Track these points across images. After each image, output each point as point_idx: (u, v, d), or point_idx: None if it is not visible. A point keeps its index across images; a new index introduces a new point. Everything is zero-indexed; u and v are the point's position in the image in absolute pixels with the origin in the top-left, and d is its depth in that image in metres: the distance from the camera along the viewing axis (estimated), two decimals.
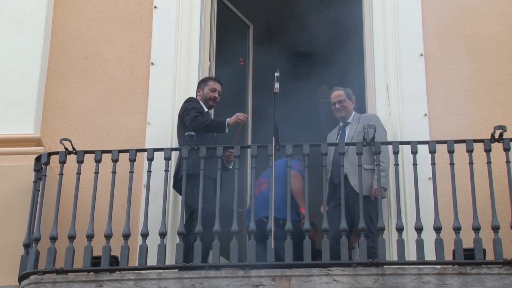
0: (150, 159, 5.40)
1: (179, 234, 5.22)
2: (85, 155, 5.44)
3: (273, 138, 5.45)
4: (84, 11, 6.50)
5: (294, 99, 7.82)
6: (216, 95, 6.05)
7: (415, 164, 5.22)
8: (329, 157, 5.76)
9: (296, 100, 7.90)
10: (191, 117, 5.72)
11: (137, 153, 5.45)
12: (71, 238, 5.20)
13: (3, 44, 6.19)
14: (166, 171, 5.36)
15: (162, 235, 5.19)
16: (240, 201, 5.82)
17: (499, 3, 6.32)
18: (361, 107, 6.49)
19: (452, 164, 5.18)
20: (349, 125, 6.05)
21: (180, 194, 5.59)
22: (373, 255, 5.15)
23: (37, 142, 5.86)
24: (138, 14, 6.48)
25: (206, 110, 6.02)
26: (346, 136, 5.96)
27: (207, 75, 6.44)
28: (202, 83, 6.13)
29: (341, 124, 6.16)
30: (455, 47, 6.22)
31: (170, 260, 5.37)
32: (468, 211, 5.13)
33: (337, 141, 5.95)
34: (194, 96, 6.05)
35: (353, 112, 6.11)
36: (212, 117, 6.09)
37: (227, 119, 5.74)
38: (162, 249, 5.18)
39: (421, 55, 6.17)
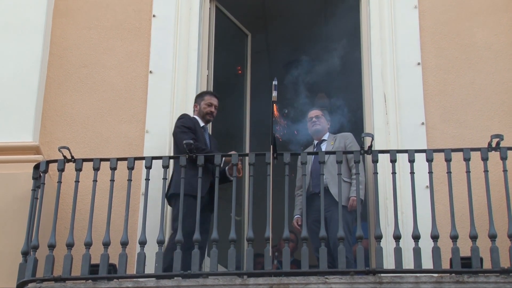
0: (148, 167, 5.40)
1: (177, 242, 5.20)
2: (84, 163, 5.45)
3: (271, 146, 5.46)
4: (83, 19, 6.50)
5: (293, 105, 7.90)
6: (213, 109, 6.06)
7: (412, 173, 5.22)
8: (308, 168, 5.87)
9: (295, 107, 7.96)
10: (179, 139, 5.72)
11: (136, 161, 5.45)
12: (70, 246, 5.21)
13: (2, 52, 6.20)
14: (164, 179, 5.38)
15: (160, 243, 5.19)
16: (238, 209, 5.84)
17: (495, 12, 6.33)
18: (358, 116, 6.55)
19: (449, 172, 5.19)
20: (325, 142, 6.20)
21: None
22: (349, 265, 5.22)
23: (35, 150, 5.87)
24: (137, 22, 6.50)
25: (202, 124, 6.02)
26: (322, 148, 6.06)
27: (205, 84, 6.47)
28: (198, 97, 6.13)
29: (316, 141, 6.28)
30: (452, 56, 6.24)
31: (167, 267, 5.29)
32: (465, 219, 5.14)
33: (313, 157, 6.03)
34: (192, 110, 6.05)
35: (327, 133, 6.26)
36: (210, 131, 6.12)
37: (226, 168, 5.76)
38: (160, 257, 5.17)
39: (418, 64, 6.19)
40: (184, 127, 5.81)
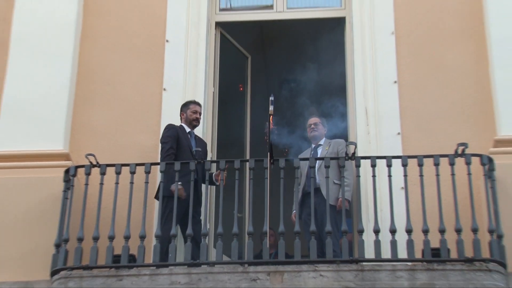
0: (162, 171, 5.43)
1: (188, 235, 5.23)
2: (107, 168, 5.47)
3: (268, 153, 5.48)
4: (106, 43, 6.49)
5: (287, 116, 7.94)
6: (198, 116, 6.02)
7: (389, 176, 5.23)
8: (304, 171, 5.88)
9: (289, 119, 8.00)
10: (163, 150, 5.73)
11: (151, 166, 5.46)
12: (95, 239, 5.24)
13: (37, 72, 6.18)
14: (176, 181, 5.37)
15: (173, 236, 5.22)
16: (240, 207, 5.79)
17: (463, 37, 6.27)
18: (344, 127, 6.52)
19: (421, 176, 5.21)
20: (321, 147, 6.19)
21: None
22: (336, 255, 5.20)
23: (65, 157, 5.88)
24: (152, 46, 6.47)
25: (189, 130, 5.98)
26: (318, 155, 6.03)
27: (211, 99, 6.47)
28: (184, 107, 6.07)
29: (313, 145, 6.27)
30: (425, 75, 6.19)
31: (179, 257, 5.38)
32: (435, 216, 5.14)
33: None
34: (172, 119, 6.02)
35: (324, 138, 6.26)
36: (195, 133, 6.05)
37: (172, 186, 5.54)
38: (173, 249, 5.21)
39: (395, 82, 6.16)
40: (167, 137, 5.79)
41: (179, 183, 5.43)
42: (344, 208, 5.34)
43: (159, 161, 5.72)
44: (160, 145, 5.89)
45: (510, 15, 6.09)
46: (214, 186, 5.99)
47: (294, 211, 6.11)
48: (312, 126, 6.32)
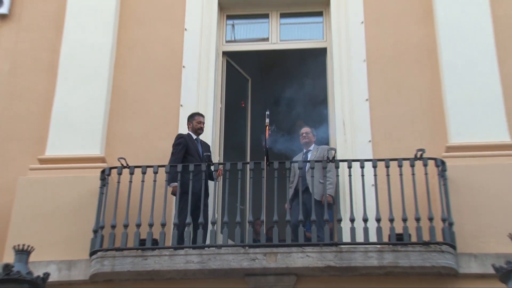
0: (179, 172, 5.44)
1: (200, 223, 5.25)
2: (135, 168, 5.49)
3: (265, 157, 5.53)
4: (134, 69, 6.45)
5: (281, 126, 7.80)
6: (202, 125, 5.93)
7: (362, 176, 5.27)
8: (297, 171, 5.84)
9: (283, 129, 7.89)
10: (174, 155, 5.70)
11: (171, 167, 5.49)
12: (125, 226, 5.27)
13: (79, 92, 6.16)
14: (190, 179, 5.36)
15: (188, 224, 5.26)
16: (242, 200, 5.78)
17: (421, 62, 6.19)
18: (326, 136, 6.48)
19: (388, 175, 5.26)
20: (310, 151, 6.15)
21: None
22: (320, 239, 5.21)
23: (102, 159, 5.89)
24: (172, 70, 6.42)
25: (195, 137, 5.90)
26: (308, 159, 6.00)
27: (218, 114, 6.44)
28: (190, 118, 5.97)
29: (305, 150, 6.22)
30: (391, 94, 6.13)
31: (193, 241, 5.38)
32: (398, 207, 5.17)
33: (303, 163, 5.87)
34: (184, 131, 5.95)
35: (313, 144, 6.23)
36: (200, 139, 5.98)
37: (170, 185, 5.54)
38: (188, 234, 5.25)
39: (367, 100, 6.12)
40: (176, 145, 5.74)
41: (174, 183, 5.41)
42: (326, 202, 5.35)
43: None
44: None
45: (458, 48, 6.01)
46: (221, 184, 5.92)
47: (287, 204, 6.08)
48: (304, 134, 6.25)
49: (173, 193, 5.56)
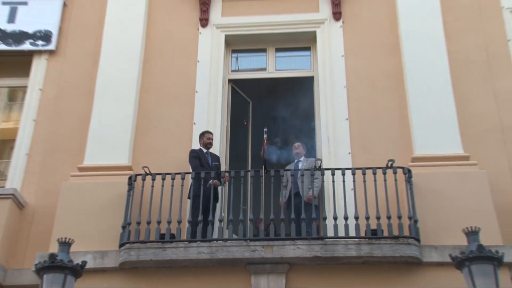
0: (193, 178, 5.46)
1: (209, 221, 5.26)
2: (156, 175, 5.47)
3: (263, 166, 5.60)
4: (156, 93, 6.42)
5: (275, 140, 7.95)
6: (211, 141, 5.89)
7: (343, 181, 5.29)
8: (290, 178, 5.80)
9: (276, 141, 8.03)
10: (192, 166, 5.71)
11: (186, 175, 5.48)
12: (148, 223, 5.28)
13: (111, 111, 6.14)
14: (201, 185, 5.37)
15: (199, 221, 5.26)
16: (244, 201, 5.78)
17: (391, 89, 6.18)
18: (313, 149, 6.45)
19: (364, 181, 5.27)
20: (301, 162, 6.11)
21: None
22: (308, 234, 5.17)
23: (129, 168, 5.88)
24: (186, 94, 6.38)
25: (205, 150, 5.85)
26: (299, 168, 5.97)
27: (225, 130, 6.37)
28: (201, 135, 5.95)
29: (296, 160, 6.17)
30: (366, 114, 6.12)
31: (203, 235, 5.32)
32: (373, 207, 5.20)
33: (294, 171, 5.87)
34: (196, 146, 5.93)
35: (303, 156, 6.19)
36: (211, 151, 5.93)
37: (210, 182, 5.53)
38: (199, 230, 5.26)
39: (347, 119, 6.12)
40: (192, 157, 5.74)
41: (213, 180, 5.36)
42: (313, 203, 5.38)
43: (190, 171, 5.66)
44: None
45: (420, 77, 6.02)
46: (227, 188, 5.79)
47: (281, 200, 6.09)
48: (296, 146, 6.21)
49: (216, 186, 5.45)
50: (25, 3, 6.62)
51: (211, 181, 5.43)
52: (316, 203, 5.50)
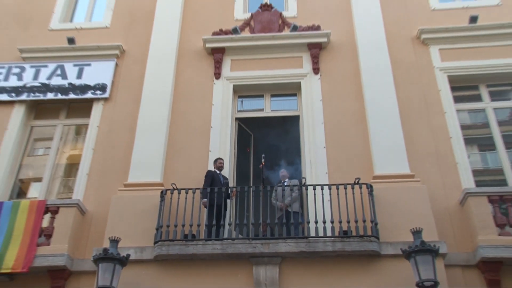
0: (209, 193, 5.47)
1: (221, 225, 5.29)
2: (181, 190, 5.52)
3: (261, 183, 5.71)
4: (181, 128, 6.33)
5: (271, 164, 7.83)
6: (222, 164, 5.84)
7: (322, 194, 5.38)
8: (279, 193, 5.84)
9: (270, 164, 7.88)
10: (205, 183, 5.63)
11: (203, 189, 5.43)
12: (175, 226, 5.35)
13: (147, 140, 6.10)
14: (214, 197, 5.40)
15: (213, 225, 5.29)
16: (248, 209, 5.65)
17: (357, 124, 6.10)
18: (298, 170, 6.45)
19: (338, 194, 5.36)
20: (286, 182, 6.04)
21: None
22: (297, 234, 5.12)
23: (161, 185, 5.87)
24: (204, 129, 6.33)
25: (218, 172, 5.77)
26: (285, 185, 5.93)
27: (233, 156, 6.30)
28: (215, 161, 5.91)
29: (282, 181, 6.10)
30: (339, 144, 6.09)
31: (217, 235, 5.36)
32: (345, 214, 5.32)
33: (281, 187, 5.95)
34: (211, 168, 5.86)
35: (287, 178, 6.10)
36: (227, 175, 5.89)
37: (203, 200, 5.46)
38: (213, 231, 5.27)
39: (324, 147, 6.11)
40: (207, 177, 5.67)
41: (204, 199, 5.31)
42: (291, 210, 5.35)
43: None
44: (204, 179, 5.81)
45: (378, 116, 6.06)
46: (234, 200, 5.77)
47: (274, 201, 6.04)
48: (282, 171, 6.16)
49: (205, 206, 5.52)
50: (89, 65, 6.96)
51: (204, 199, 5.43)
52: (290, 210, 5.43)
